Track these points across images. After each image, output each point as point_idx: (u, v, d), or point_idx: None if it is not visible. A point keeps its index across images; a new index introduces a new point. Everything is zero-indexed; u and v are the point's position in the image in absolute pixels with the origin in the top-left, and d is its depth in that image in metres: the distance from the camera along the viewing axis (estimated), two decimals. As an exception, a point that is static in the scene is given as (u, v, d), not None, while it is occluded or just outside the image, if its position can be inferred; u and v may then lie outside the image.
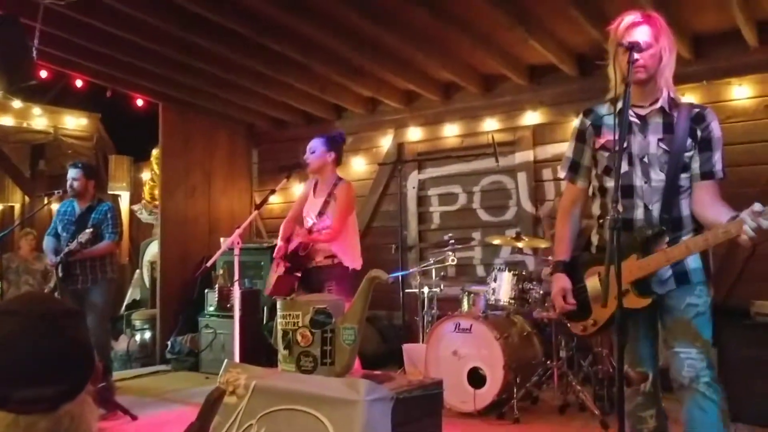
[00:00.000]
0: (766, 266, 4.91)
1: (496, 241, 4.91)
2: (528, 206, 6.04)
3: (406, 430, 2.23)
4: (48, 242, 5.03)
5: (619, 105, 2.31)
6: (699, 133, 2.42)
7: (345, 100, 6.70)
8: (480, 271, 6.26)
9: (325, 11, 4.79)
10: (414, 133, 6.71)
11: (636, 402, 2.50)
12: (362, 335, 2.39)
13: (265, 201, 4.18)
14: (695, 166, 2.42)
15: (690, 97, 5.20)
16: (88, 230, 4.67)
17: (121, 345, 6.90)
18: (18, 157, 9.61)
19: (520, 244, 4.77)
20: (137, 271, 8.37)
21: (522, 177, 6.07)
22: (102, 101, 7.46)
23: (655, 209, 2.40)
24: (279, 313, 2.50)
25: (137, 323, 7.10)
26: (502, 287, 4.57)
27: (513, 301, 4.56)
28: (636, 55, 2.30)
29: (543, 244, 4.90)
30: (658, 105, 2.44)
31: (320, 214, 4.20)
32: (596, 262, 2.51)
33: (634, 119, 2.46)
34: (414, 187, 6.71)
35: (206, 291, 6.43)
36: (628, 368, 2.46)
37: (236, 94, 6.59)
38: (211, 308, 6.35)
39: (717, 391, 2.32)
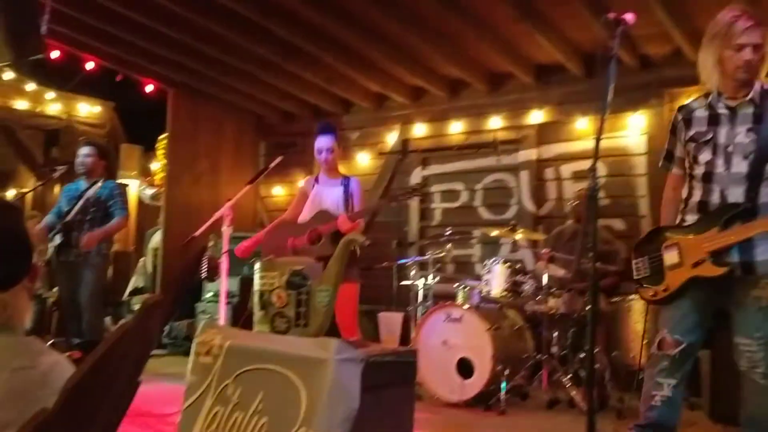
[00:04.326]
0: None
1: (494, 233, 4.88)
2: (529, 205, 6.01)
3: (376, 394, 2.22)
4: (46, 219, 5.04)
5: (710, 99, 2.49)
6: None
7: (353, 93, 6.73)
8: (479, 269, 6.21)
9: (336, 1, 4.83)
10: (419, 129, 6.72)
11: (660, 366, 2.52)
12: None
13: (258, 177, 4.20)
14: None
15: None
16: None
17: (119, 329, 6.92)
18: (32, 143, 9.70)
19: (516, 236, 4.73)
20: (142, 258, 8.42)
21: (524, 176, 6.05)
22: (116, 91, 7.53)
23: (732, 195, 2.46)
24: (257, 274, 2.51)
25: (137, 308, 7.11)
26: (495, 280, 4.54)
27: (506, 294, 4.52)
28: (749, 56, 2.43)
29: (539, 237, 4.88)
30: (749, 96, 2.52)
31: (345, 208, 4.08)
32: (677, 234, 2.59)
33: (723, 111, 2.56)
34: (417, 183, 6.69)
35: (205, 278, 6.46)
36: (667, 332, 2.54)
37: (245, 82, 6.63)
38: (209, 294, 6.37)
39: None
